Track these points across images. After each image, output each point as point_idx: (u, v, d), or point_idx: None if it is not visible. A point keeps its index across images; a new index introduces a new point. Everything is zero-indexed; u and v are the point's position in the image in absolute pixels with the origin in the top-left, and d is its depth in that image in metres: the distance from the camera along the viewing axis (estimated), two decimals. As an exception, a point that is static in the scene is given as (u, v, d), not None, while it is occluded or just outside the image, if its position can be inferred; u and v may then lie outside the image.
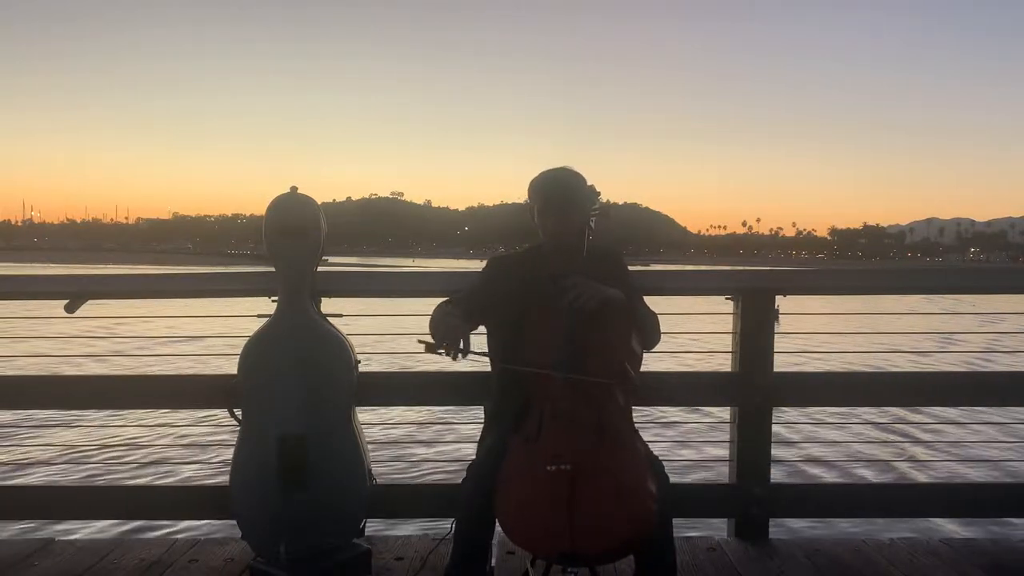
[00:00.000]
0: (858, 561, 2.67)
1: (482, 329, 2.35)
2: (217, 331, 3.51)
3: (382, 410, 3.72)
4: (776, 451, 2.86)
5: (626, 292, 2.25)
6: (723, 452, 3.01)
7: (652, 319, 2.33)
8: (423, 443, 6.02)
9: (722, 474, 2.98)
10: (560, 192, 2.29)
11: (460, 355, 2.06)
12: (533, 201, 2.33)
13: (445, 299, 2.41)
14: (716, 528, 3.05)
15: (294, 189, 2.60)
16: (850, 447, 6.78)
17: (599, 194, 2.31)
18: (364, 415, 2.79)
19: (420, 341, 2.10)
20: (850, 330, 7.47)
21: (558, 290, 2.11)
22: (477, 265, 2.55)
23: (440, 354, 2.06)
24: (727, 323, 2.91)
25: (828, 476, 5.39)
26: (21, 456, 5.33)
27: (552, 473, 1.92)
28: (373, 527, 2.81)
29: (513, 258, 2.52)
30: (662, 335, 2.35)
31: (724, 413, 3.01)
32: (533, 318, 2.16)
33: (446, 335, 2.08)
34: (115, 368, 8.00)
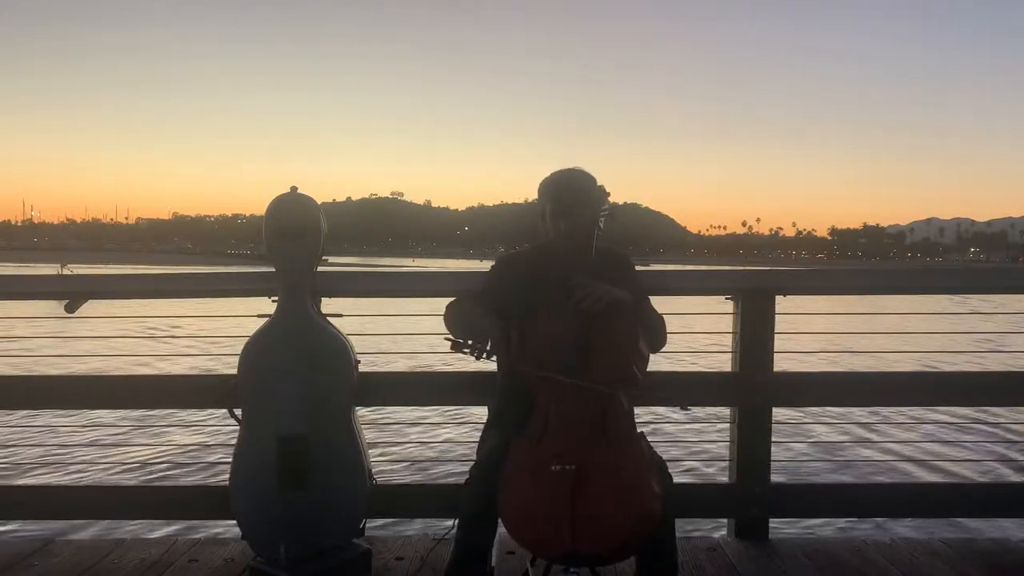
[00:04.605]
0: (858, 561, 2.67)
1: None
2: (217, 331, 3.51)
3: (382, 410, 3.72)
4: (776, 451, 2.86)
5: (634, 294, 2.24)
6: (723, 452, 3.01)
7: (659, 322, 2.31)
8: (423, 443, 6.03)
9: (722, 474, 2.98)
10: (572, 196, 2.25)
11: (485, 355, 2.02)
12: (543, 202, 2.29)
13: (458, 296, 2.39)
14: (716, 528, 3.05)
15: (294, 189, 2.59)
16: (850, 447, 6.78)
17: (608, 195, 2.27)
18: (364, 415, 2.80)
19: (447, 339, 2.08)
20: (850, 330, 7.46)
21: (566, 291, 2.10)
22: (477, 265, 2.55)
23: (465, 352, 2.03)
24: (727, 323, 2.92)
25: (828, 476, 5.39)
26: (20, 456, 5.32)
27: (556, 473, 1.92)
28: (373, 527, 2.81)
29: (521, 257, 2.48)
30: None
31: (724, 413, 3.01)
32: (541, 318, 2.14)
33: (479, 333, 2.04)
34: (114, 368, 8.00)
